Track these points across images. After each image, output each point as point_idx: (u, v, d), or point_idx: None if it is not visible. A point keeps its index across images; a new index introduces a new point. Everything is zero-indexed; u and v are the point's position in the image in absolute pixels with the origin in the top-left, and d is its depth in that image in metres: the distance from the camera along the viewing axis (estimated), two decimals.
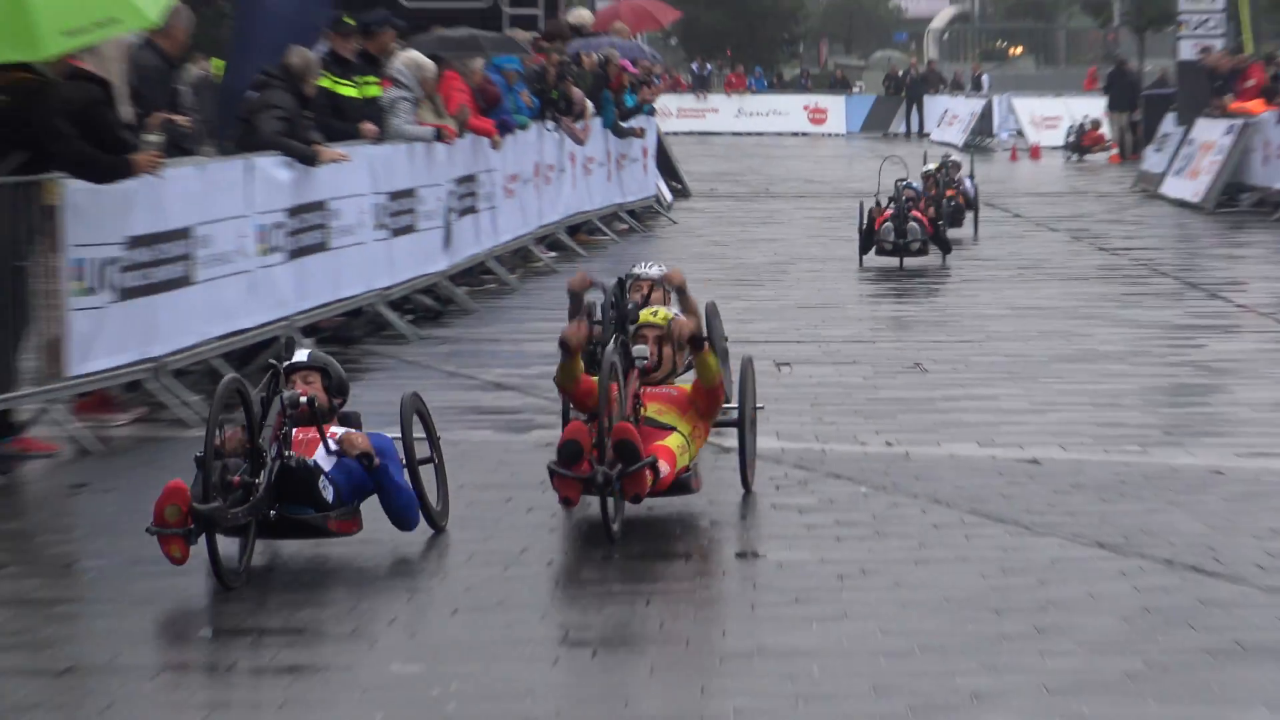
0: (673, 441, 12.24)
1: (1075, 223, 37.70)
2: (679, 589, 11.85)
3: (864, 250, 27.72)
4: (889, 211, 27.22)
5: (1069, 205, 42.59)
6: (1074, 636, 10.77)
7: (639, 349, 12.61)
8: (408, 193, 23.44)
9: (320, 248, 20.75)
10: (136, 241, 17.01)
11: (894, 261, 28.07)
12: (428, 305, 24.06)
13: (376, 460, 11.54)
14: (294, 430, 11.63)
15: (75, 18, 16.16)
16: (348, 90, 22.78)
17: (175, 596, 11.99)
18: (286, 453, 11.31)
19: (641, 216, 37.38)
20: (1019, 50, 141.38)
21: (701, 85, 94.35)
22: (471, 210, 26.12)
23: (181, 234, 17.83)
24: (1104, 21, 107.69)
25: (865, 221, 27.76)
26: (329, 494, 11.27)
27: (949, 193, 30.21)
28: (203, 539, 10.96)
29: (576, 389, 12.52)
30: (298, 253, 20.16)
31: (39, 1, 15.98)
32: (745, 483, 13.54)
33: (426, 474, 12.50)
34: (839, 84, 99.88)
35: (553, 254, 30.75)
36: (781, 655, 10.47)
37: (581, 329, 12.14)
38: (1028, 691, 9.83)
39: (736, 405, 13.64)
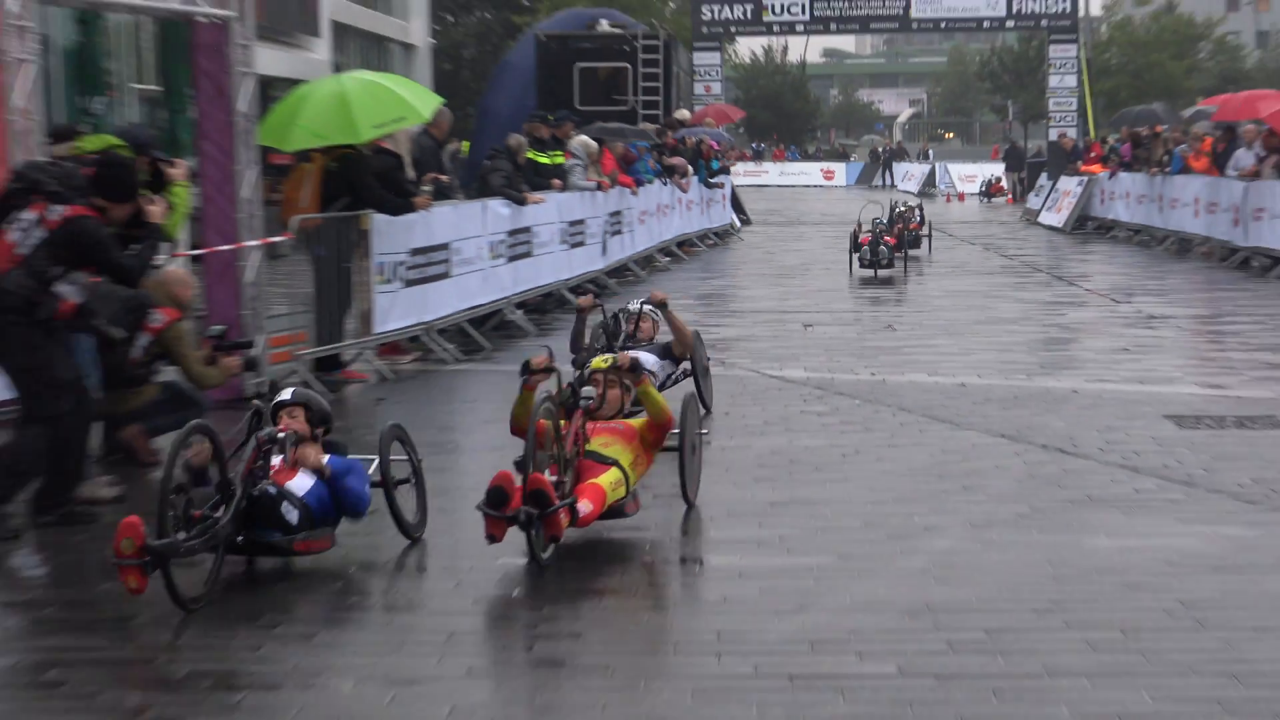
0: (607, 478, 9.40)
1: (986, 240, 37.47)
2: (741, 463, 11.76)
3: (851, 261, 27.46)
4: (867, 239, 26.97)
5: (982, 229, 42.30)
6: (986, 491, 10.68)
7: (586, 390, 10.06)
8: (579, 221, 23.38)
9: (527, 255, 20.70)
10: (416, 251, 17.00)
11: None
12: (592, 290, 23.99)
13: (327, 471, 9.13)
14: (274, 460, 9.13)
15: (380, 116, 16.21)
16: (544, 159, 22.74)
17: (439, 467, 11.96)
18: (261, 483, 8.85)
19: (722, 236, 37.27)
20: (950, 135, 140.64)
21: (758, 156, 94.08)
22: (618, 232, 26.05)
23: (443, 247, 17.81)
24: (1003, 117, 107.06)
25: (852, 243, 27.60)
26: (293, 517, 8.82)
27: (913, 226, 29.99)
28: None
29: (524, 425, 9.49)
30: (513, 258, 20.11)
31: (357, 106, 16.04)
32: (686, 499, 10.32)
33: (408, 492, 9.85)
34: (840, 155, 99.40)
35: (667, 258, 30.67)
36: (807, 503, 10.41)
37: (543, 360, 10.38)
38: (958, 525, 9.75)
39: (679, 433, 10.31)
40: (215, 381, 11.91)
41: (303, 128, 16.01)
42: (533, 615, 8.05)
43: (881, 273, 26.50)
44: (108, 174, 10.38)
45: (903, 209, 30.67)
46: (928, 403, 14.18)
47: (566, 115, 25.13)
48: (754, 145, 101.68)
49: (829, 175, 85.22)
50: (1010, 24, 62.26)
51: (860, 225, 28.51)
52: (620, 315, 14.17)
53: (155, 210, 10.44)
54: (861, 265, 26.84)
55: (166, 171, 10.36)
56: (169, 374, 12.05)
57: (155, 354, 11.49)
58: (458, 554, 9.38)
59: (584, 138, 24.76)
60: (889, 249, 26.81)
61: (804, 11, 59.28)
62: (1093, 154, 42.51)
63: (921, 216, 31.64)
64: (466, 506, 10.58)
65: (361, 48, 60.21)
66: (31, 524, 9.99)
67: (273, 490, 8.91)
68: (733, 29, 61.50)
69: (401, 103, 16.55)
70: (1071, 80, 56.63)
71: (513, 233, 20.10)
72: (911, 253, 28.89)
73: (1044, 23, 58.91)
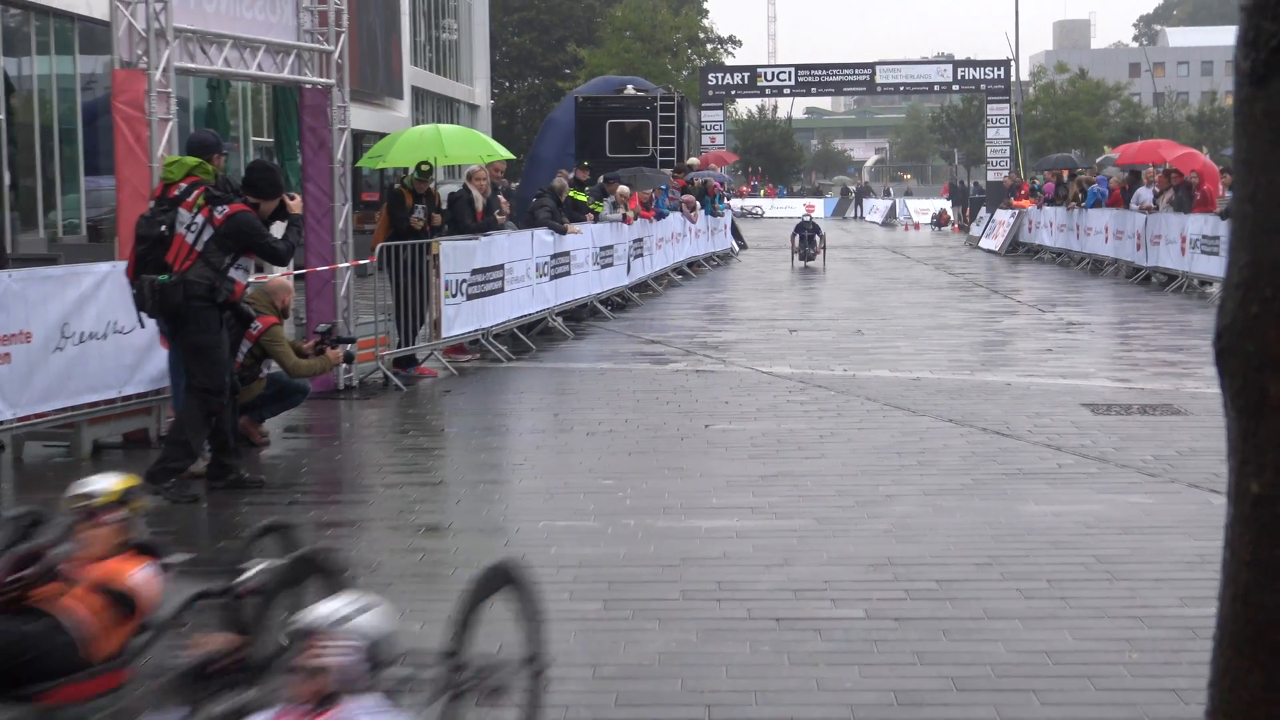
0: None
1: (936, 261, 37.29)
2: (738, 443, 11.65)
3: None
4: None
5: (933, 252, 42.12)
6: (937, 467, 10.57)
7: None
8: (609, 247, 23.23)
9: (566, 274, 20.56)
10: (476, 271, 16.88)
11: (847, 278, 28.22)
12: (618, 301, 23.90)
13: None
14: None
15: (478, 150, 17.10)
16: (582, 198, 22.60)
17: (494, 446, 11.90)
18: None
19: (723, 258, 37.15)
20: (909, 176, 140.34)
21: (754, 191, 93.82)
22: (640, 255, 25.89)
23: (499, 267, 17.68)
24: (950, 162, 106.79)
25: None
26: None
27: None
28: None
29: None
30: (555, 276, 19.98)
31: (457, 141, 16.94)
32: None
33: None
34: (817, 193, 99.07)
35: (679, 276, 30.51)
36: (792, 477, 10.30)
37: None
38: (914, 495, 9.64)
39: None
40: (318, 370, 11.83)
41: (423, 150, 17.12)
42: (570, 570, 7.94)
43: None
44: (257, 176, 10.53)
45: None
46: (890, 394, 14.05)
47: (615, 176, 24.96)
48: (751, 184, 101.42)
49: (810, 208, 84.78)
50: (956, 88, 62.33)
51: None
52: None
53: (295, 204, 10.58)
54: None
55: (289, 204, 10.43)
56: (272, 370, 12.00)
57: (257, 355, 11.40)
58: (508, 518, 9.29)
59: (622, 187, 24.66)
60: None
61: (790, 78, 59.54)
62: (1023, 191, 42.34)
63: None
64: (516, 479, 10.54)
65: (435, 107, 60.20)
66: (208, 490, 10.01)
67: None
68: (733, 92, 61.59)
69: (486, 143, 17.14)
70: (1005, 132, 56.36)
71: (555, 256, 19.98)
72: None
73: (983, 86, 58.83)
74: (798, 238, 34.60)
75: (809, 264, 33.46)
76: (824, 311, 23.57)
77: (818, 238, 34.17)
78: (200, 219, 9.93)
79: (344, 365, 13.48)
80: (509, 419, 13.75)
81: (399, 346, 15.65)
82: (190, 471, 10.09)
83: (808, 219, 34.94)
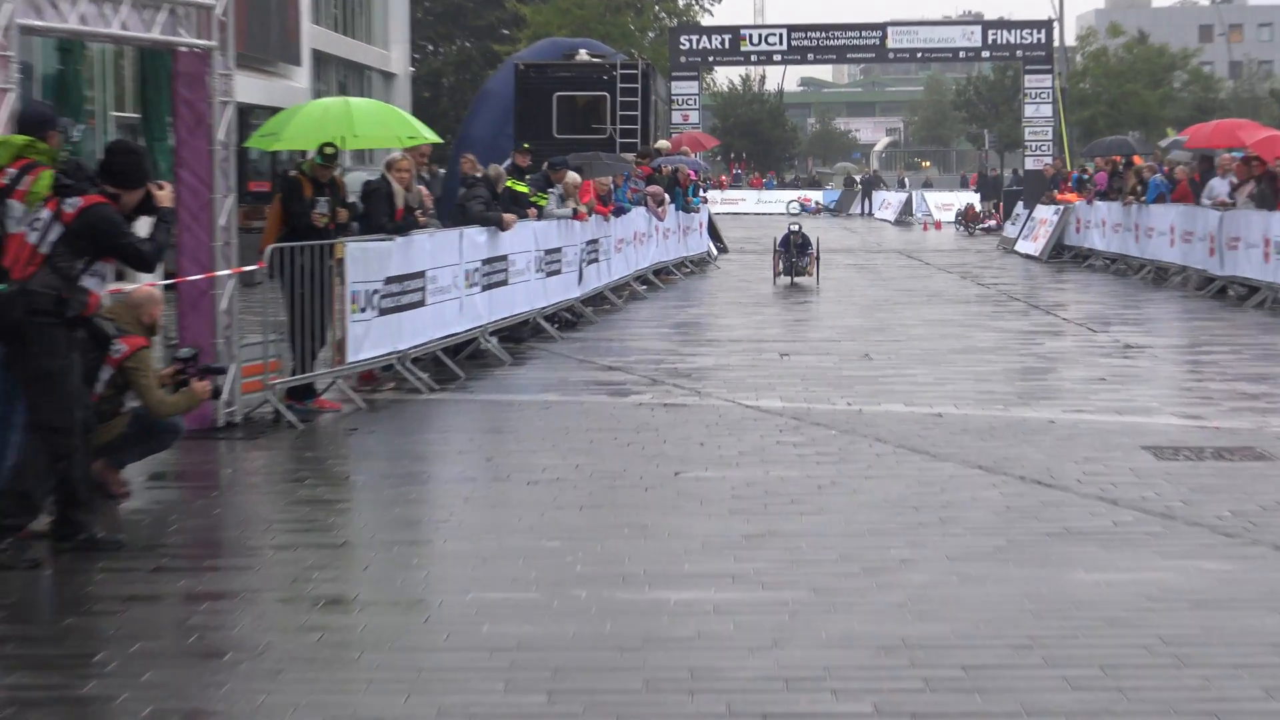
0: None
1: (961, 268, 37.48)
2: (716, 495, 11.64)
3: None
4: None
5: (958, 257, 42.35)
6: (963, 524, 10.58)
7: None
8: (556, 250, 23.25)
9: (503, 283, 20.54)
10: (391, 280, 16.83)
11: (851, 289, 28.22)
12: (567, 318, 23.91)
13: None
14: None
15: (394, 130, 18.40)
16: (522, 189, 22.59)
17: (412, 499, 11.88)
18: None
19: (699, 264, 37.22)
20: (928, 164, 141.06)
21: (736, 181, 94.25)
22: (595, 260, 25.93)
23: (418, 275, 17.63)
24: (979, 146, 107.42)
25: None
26: None
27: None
28: None
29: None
30: (489, 286, 19.95)
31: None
32: None
33: None
34: (815, 184, 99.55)
35: (644, 287, 30.56)
36: (782, 536, 10.29)
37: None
38: (935, 560, 9.64)
39: None
40: (179, 409, 11.69)
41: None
42: (506, 654, 7.89)
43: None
44: (118, 161, 10.37)
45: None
46: (904, 433, 14.06)
47: (563, 162, 24.96)
48: (735, 170, 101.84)
49: (806, 202, 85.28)
50: (986, 54, 62.34)
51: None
52: None
53: (165, 195, 10.47)
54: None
55: (156, 195, 10.34)
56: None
57: (119, 385, 11.32)
58: (430, 588, 9.25)
59: (572, 175, 24.67)
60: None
61: (781, 42, 59.29)
62: (1068, 183, 42.54)
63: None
64: (439, 539, 10.50)
65: (340, 75, 60.21)
66: (52, 554, 9.89)
67: None
68: (711, 59, 61.46)
69: (407, 122, 18.26)
70: (1047, 109, 56.60)
71: (489, 260, 19.96)
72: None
73: (1019, 53, 58.96)
74: (783, 251, 32.62)
75: (797, 279, 32.20)
76: (823, 331, 23.60)
77: (809, 250, 32.54)
78: (46, 214, 9.85)
79: (219, 398, 13.43)
80: (431, 464, 13.70)
81: (294, 373, 15.58)
82: (30, 530, 9.99)
83: (796, 229, 32.83)
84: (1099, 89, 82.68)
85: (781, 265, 32.25)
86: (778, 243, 32.59)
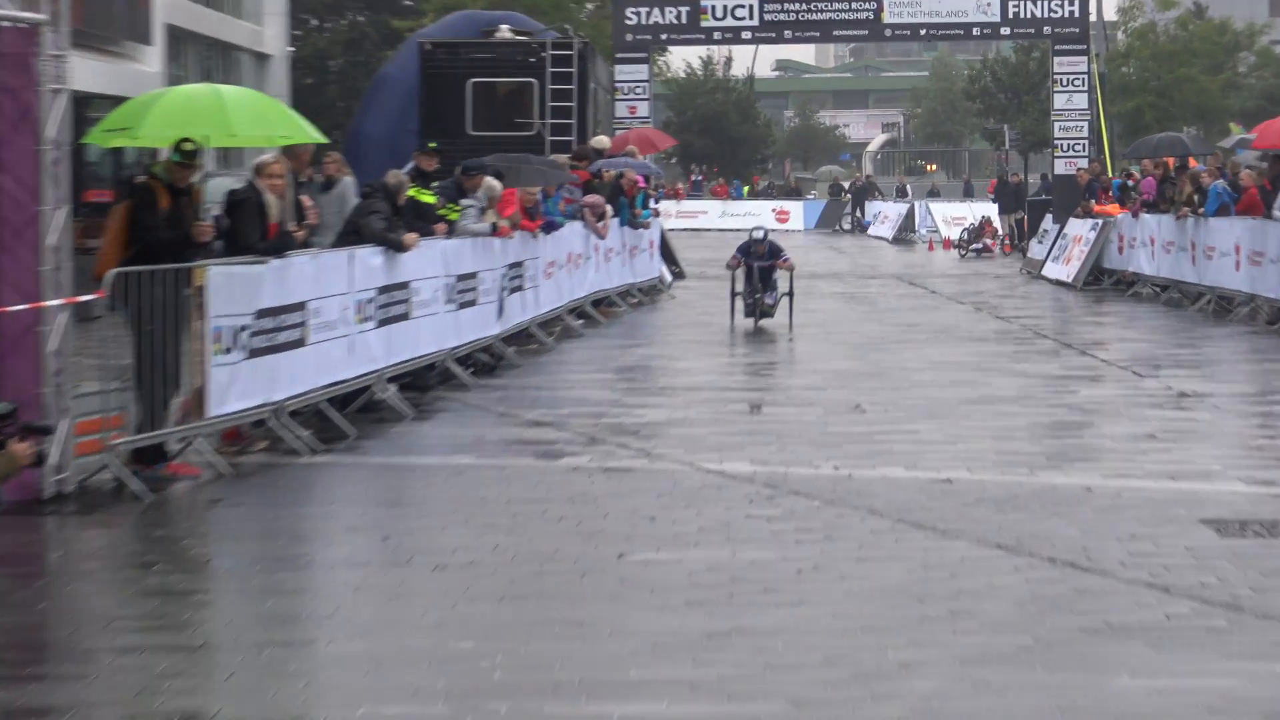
0: None
1: (976, 298, 37.64)
2: (670, 582, 11.64)
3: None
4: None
5: (971, 284, 42.53)
6: (979, 619, 10.62)
7: None
8: (470, 275, 23.29)
9: (404, 317, 20.57)
10: (263, 313, 16.83)
11: (839, 324, 28.31)
12: (484, 361, 23.91)
13: None
14: None
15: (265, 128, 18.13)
16: (428, 198, 22.61)
17: (289, 588, 11.85)
18: None
19: (649, 292, 37.27)
20: (933, 167, 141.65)
21: (696, 190, 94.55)
22: (519, 288, 25.99)
23: (298, 307, 17.64)
24: (998, 145, 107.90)
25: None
26: None
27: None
28: None
29: None
30: (386, 321, 19.98)
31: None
32: None
33: None
34: (795, 192, 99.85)
35: (580, 321, 30.60)
36: (754, 635, 10.32)
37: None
38: (944, 662, 9.68)
39: None
40: None
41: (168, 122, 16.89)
42: None
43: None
44: None
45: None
46: (905, 504, 14.11)
47: (480, 166, 24.95)
48: (693, 177, 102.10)
49: (783, 216, 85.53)
50: (1006, 31, 62.64)
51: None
52: None
53: None
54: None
55: None
56: None
57: None
58: (310, 702, 9.22)
59: (489, 180, 24.67)
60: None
61: (751, 15, 59.08)
62: (1109, 191, 42.68)
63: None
64: (323, 639, 10.48)
65: (203, 57, 60.22)
66: None
67: None
68: (664, 36, 61.41)
69: (288, 118, 18.12)
70: (1082, 100, 56.81)
71: (386, 289, 19.95)
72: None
73: (1047, 30, 59.22)
74: (742, 272, 30.18)
75: (760, 322, 29.75)
76: (804, 376, 23.67)
77: (775, 276, 29.77)
78: None
79: (45, 464, 13.35)
80: (313, 545, 13.69)
81: (141, 431, 15.54)
82: None
83: (761, 235, 30.07)
84: (1146, 74, 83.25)
85: (742, 292, 29.67)
86: (733, 259, 30.00)
